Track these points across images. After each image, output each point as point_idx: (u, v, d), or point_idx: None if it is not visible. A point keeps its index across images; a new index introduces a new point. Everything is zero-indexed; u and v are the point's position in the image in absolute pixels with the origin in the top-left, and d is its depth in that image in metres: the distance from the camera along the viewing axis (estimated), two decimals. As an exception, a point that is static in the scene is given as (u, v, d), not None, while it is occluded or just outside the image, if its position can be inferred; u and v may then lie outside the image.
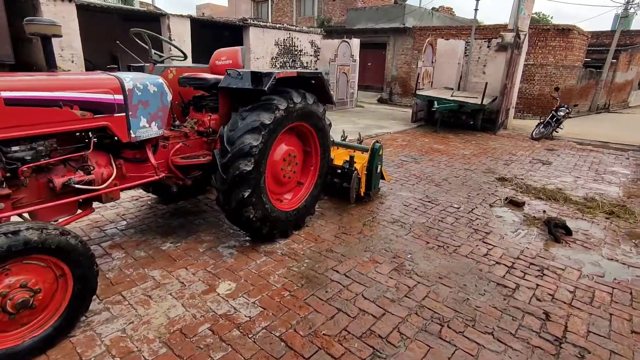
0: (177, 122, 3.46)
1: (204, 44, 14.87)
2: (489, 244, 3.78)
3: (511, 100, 11.53)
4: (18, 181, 2.26)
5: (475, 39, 11.81)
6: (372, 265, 3.26)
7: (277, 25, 13.91)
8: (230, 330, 2.37)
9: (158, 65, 3.52)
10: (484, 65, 11.60)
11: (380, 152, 4.56)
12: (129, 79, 2.68)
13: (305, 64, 15.51)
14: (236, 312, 2.54)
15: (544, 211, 4.78)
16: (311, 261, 3.26)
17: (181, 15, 10.96)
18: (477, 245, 3.74)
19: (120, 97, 2.62)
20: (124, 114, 2.66)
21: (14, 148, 2.22)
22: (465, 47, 11.83)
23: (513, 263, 3.43)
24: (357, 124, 11.04)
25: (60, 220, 2.61)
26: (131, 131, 2.72)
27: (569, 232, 4.12)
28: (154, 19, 11.05)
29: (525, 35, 11.00)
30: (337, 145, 4.89)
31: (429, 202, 4.88)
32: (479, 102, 9.45)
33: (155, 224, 3.81)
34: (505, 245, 3.77)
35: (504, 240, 3.90)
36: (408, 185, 5.53)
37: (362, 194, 4.52)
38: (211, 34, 14.63)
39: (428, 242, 3.74)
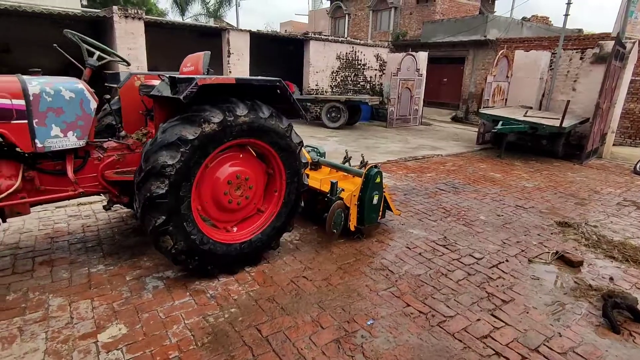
0: (123, 133, 3.16)
1: (269, 58, 15.24)
2: (499, 320, 2.71)
3: (609, 123, 9.36)
4: None
5: (564, 49, 9.93)
6: (311, 329, 2.49)
7: (340, 39, 13.58)
8: (67, 397, 1.87)
9: (123, 71, 3.29)
10: (575, 81, 9.65)
11: (378, 180, 3.72)
12: (35, 82, 2.41)
13: (369, 78, 14.89)
14: (93, 372, 2.03)
15: (611, 278, 3.43)
16: (238, 311, 2.62)
17: (240, 30, 11.26)
18: (478, 319, 2.70)
19: (21, 102, 2.35)
20: (26, 121, 2.39)
21: None
22: (551, 60, 10.01)
23: (525, 358, 2.35)
24: (409, 143, 10.00)
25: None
26: (37, 140, 2.45)
27: (638, 318, 2.81)
28: (218, 34, 11.54)
29: (635, 43, 8.88)
30: (328, 166, 4.19)
31: (444, 246, 3.86)
32: (557, 125, 7.74)
33: (109, 241, 3.54)
34: (525, 326, 2.66)
35: (527, 316, 2.78)
36: (428, 221, 4.53)
37: (351, 229, 3.72)
38: (277, 48, 14.91)
39: (408, 305, 2.82)
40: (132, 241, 3.55)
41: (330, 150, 8.20)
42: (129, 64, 3.13)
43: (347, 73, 14.15)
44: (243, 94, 2.86)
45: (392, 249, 3.72)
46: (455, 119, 16.77)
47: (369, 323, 2.59)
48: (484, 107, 9.61)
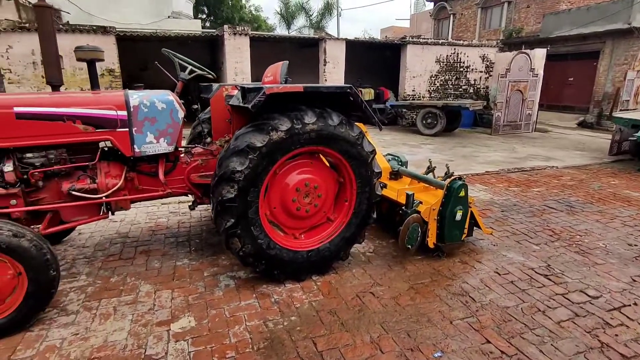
0: (209, 139, 3.44)
1: (366, 65, 15.23)
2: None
3: None
4: (33, 183, 2.63)
5: None
6: (370, 351, 2.32)
7: (440, 41, 12.84)
8: (135, 379, 2.06)
9: (212, 84, 3.61)
10: None
11: (462, 193, 3.34)
12: (135, 96, 2.77)
13: (472, 81, 13.75)
14: (159, 359, 2.21)
15: None
16: (298, 320, 2.60)
17: (337, 39, 11.49)
18: (580, 374, 2.19)
19: (124, 113, 2.73)
20: (127, 129, 2.76)
21: (27, 155, 2.59)
22: None
23: None
24: (515, 152, 8.88)
25: (80, 220, 2.91)
26: (135, 146, 2.81)
27: None
28: (316, 44, 11.99)
29: None
30: (408, 176, 3.91)
31: (546, 276, 3.26)
32: None
33: (196, 238, 3.90)
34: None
35: (650, 381, 2.15)
36: (528, 244, 3.90)
37: (430, 246, 3.41)
38: (374, 55, 14.82)
39: (488, 341, 2.43)
40: (215, 239, 3.84)
41: (421, 159, 7.76)
42: (214, 77, 3.40)
43: (447, 77, 13.31)
44: (316, 101, 2.85)
45: (477, 272, 3.29)
46: (583, 125, 14.37)
47: (436, 355, 2.30)
48: (620, 110, 8.00)
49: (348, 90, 2.81)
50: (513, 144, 10.10)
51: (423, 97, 13.44)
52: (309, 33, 23.16)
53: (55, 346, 2.29)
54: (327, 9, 27.28)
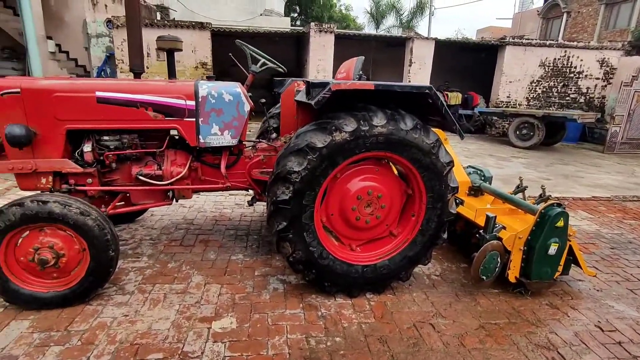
0: (274, 135, 3.33)
1: (456, 67, 14.15)
2: None
3: None
4: (107, 165, 2.78)
5: None
6: (420, 398, 1.97)
7: (548, 42, 11.35)
8: (167, 376, 2.00)
9: (284, 79, 3.50)
10: None
11: (560, 223, 2.74)
12: (205, 86, 2.75)
13: (584, 89, 11.96)
14: (194, 359, 2.13)
15: None
16: (342, 342, 2.34)
17: (426, 38, 10.82)
18: None
19: (192, 102, 2.73)
20: (194, 119, 2.76)
21: (104, 137, 2.73)
22: None
23: None
24: (635, 176, 7.42)
25: (147, 203, 3.02)
26: (200, 136, 2.80)
27: None
28: (403, 43, 11.45)
29: None
30: (492, 194, 3.35)
31: (668, 341, 2.52)
32: None
33: (255, 233, 3.85)
34: None
35: None
36: (644, 294, 3.10)
37: (510, 280, 2.88)
38: (466, 57, 13.71)
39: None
40: (272, 238, 3.74)
41: (509, 174, 6.89)
42: (285, 71, 3.27)
43: (552, 83, 11.73)
44: (390, 102, 2.54)
45: (571, 322, 2.67)
46: None
47: (504, 421, 1.86)
48: None
49: (427, 90, 2.44)
50: (633, 167, 8.47)
51: (519, 105, 12.03)
52: (397, 32, 22.42)
53: (106, 324, 2.36)
54: (419, 8, 26.16)
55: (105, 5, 11.08)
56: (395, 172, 2.90)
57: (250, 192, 3.36)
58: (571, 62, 11.65)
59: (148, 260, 3.19)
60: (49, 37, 12.80)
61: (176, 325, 2.40)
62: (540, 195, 3.20)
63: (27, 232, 2.37)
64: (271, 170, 2.99)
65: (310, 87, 2.36)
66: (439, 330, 2.50)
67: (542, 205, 2.79)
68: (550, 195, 3.17)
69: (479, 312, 2.72)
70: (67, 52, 13.55)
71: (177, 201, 3.16)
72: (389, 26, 27.27)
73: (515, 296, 2.93)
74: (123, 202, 3.00)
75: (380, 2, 26.92)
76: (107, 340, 2.22)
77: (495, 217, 2.79)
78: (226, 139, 2.87)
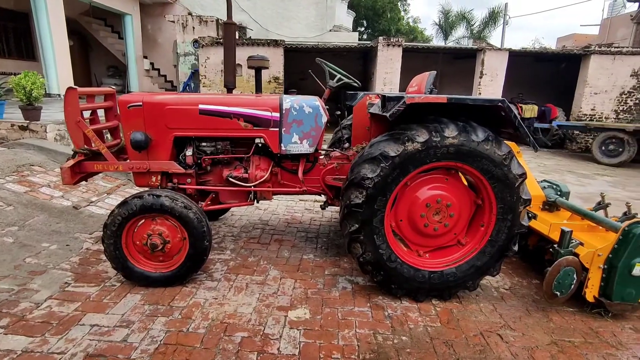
0: (347, 145, 3.57)
1: (533, 79, 13.35)
2: None
3: None
4: (203, 167, 3.22)
5: None
6: (486, 401, 2.02)
7: (643, 50, 10.28)
8: (252, 350, 2.29)
9: (356, 92, 3.76)
10: None
11: (647, 243, 2.59)
12: (289, 100, 3.09)
13: (687, 101, 10.59)
14: (274, 341, 2.40)
15: None
16: (409, 341, 2.46)
17: (498, 49, 10.45)
18: None
19: (277, 114, 3.08)
20: (278, 129, 3.10)
21: (202, 143, 3.18)
22: None
23: None
24: None
25: (233, 203, 3.43)
26: (282, 145, 3.14)
27: None
28: (473, 55, 11.17)
29: None
30: (569, 209, 3.23)
31: None
32: None
33: (324, 236, 4.10)
34: None
35: None
36: None
37: (588, 299, 2.77)
38: (544, 68, 12.90)
39: None
40: (340, 242, 3.97)
41: (592, 193, 6.39)
42: (359, 85, 3.51)
43: (646, 94, 10.56)
44: (463, 115, 2.65)
45: (658, 349, 2.49)
46: None
47: None
48: None
49: (499, 103, 2.51)
50: None
51: (606, 118, 11.00)
52: (467, 43, 21.75)
53: (200, 304, 2.74)
54: (492, 18, 25.10)
55: (193, 28, 12.42)
56: (465, 182, 2.97)
57: (323, 197, 3.63)
58: (671, 71, 10.41)
59: (231, 253, 3.58)
60: (145, 57, 14.63)
61: (257, 311, 2.70)
62: (625, 213, 3.03)
63: (143, 221, 2.86)
64: (343, 177, 3.24)
65: (386, 100, 2.57)
66: (507, 341, 2.50)
67: (626, 223, 2.67)
68: (637, 214, 2.98)
69: (551, 329, 2.66)
70: (158, 70, 15.34)
71: (258, 202, 3.53)
72: (459, 37, 26.55)
73: (593, 316, 2.80)
74: (209, 202, 3.43)
75: (449, 13, 26.37)
76: (202, 317, 2.59)
77: (572, 231, 2.72)
78: (304, 147, 3.18)
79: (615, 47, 10.80)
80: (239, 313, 2.66)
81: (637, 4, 19.38)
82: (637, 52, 10.56)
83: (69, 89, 2.89)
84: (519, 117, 2.60)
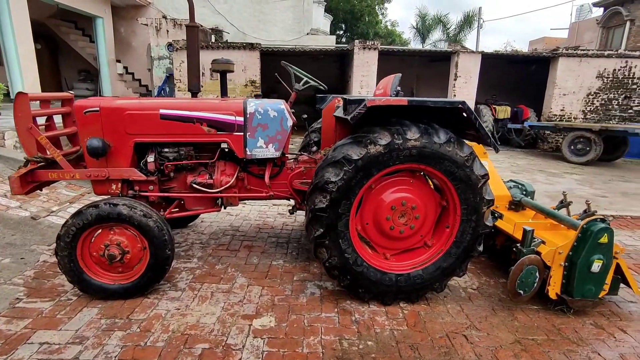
0: (314, 148, 3.54)
1: (505, 81, 13.71)
2: None
3: None
4: (166, 174, 3.12)
5: None
6: (449, 404, 2.01)
7: (606, 53, 10.72)
8: (212, 363, 2.22)
9: (326, 95, 3.73)
10: None
11: (604, 239, 2.65)
12: (252, 103, 3.04)
13: (649, 102, 11.07)
14: (236, 351, 2.32)
15: None
16: (374, 346, 2.43)
17: (472, 52, 10.67)
18: None
19: (241, 118, 3.02)
20: (242, 133, 3.04)
21: (165, 149, 3.09)
22: None
23: None
24: None
25: (198, 209, 3.34)
26: (247, 149, 3.07)
27: None
28: (448, 58, 11.37)
29: None
30: (533, 208, 3.29)
31: None
32: None
33: (295, 241, 4.05)
34: None
35: None
36: None
37: (551, 296, 2.81)
38: (515, 70, 13.27)
39: None
40: (311, 246, 3.92)
41: (560, 191, 6.54)
42: (325, 89, 3.49)
43: (612, 95, 11.01)
44: (425, 117, 2.66)
45: (617, 344, 2.55)
46: None
47: None
48: None
49: (460, 105, 2.53)
50: None
51: (574, 118, 11.39)
52: (444, 47, 22.18)
53: (161, 315, 2.64)
54: (467, 22, 25.72)
55: (167, 31, 12.18)
56: (431, 185, 2.98)
57: (292, 201, 3.58)
58: (634, 73, 10.87)
59: (198, 261, 3.49)
60: (118, 61, 14.27)
61: (221, 321, 2.62)
62: (585, 211, 3.10)
63: (100, 231, 2.74)
64: (311, 181, 3.20)
65: (347, 103, 2.55)
66: (472, 342, 2.51)
67: (584, 221, 2.72)
68: (595, 212, 3.06)
69: (515, 327, 2.68)
70: (132, 74, 14.98)
71: (225, 208, 3.45)
72: (435, 40, 27.06)
73: (556, 314, 2.85)
74: (177, 209, 3.33)
75: (426, 16, 26.86)
76: (162, 329, 2.49)
77: (533, 230, 2.76)
78: (270, 152, 3.12)
79: (581, 50, 11.20)
80: (201, 323, 2.58)
81: (601, 9, 20.22)
82: (602, 54, 10.98)
83: (19, 94, 2.75)
84: (479, 119, 2.62)
